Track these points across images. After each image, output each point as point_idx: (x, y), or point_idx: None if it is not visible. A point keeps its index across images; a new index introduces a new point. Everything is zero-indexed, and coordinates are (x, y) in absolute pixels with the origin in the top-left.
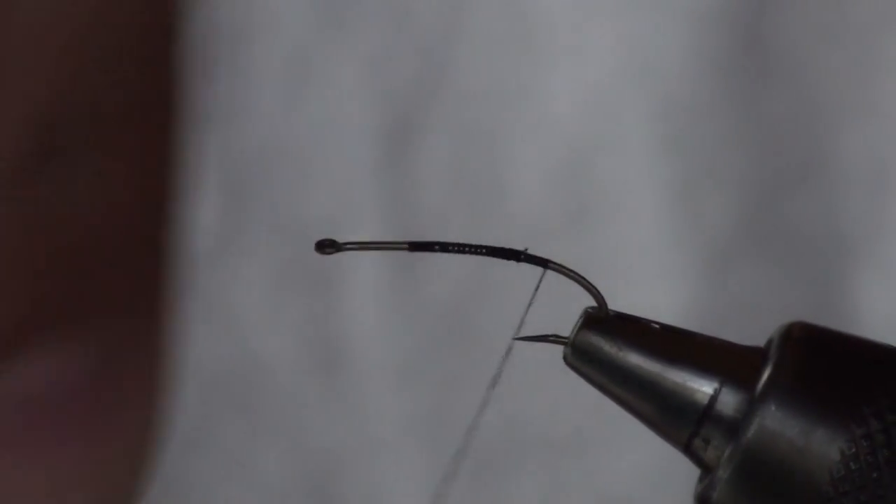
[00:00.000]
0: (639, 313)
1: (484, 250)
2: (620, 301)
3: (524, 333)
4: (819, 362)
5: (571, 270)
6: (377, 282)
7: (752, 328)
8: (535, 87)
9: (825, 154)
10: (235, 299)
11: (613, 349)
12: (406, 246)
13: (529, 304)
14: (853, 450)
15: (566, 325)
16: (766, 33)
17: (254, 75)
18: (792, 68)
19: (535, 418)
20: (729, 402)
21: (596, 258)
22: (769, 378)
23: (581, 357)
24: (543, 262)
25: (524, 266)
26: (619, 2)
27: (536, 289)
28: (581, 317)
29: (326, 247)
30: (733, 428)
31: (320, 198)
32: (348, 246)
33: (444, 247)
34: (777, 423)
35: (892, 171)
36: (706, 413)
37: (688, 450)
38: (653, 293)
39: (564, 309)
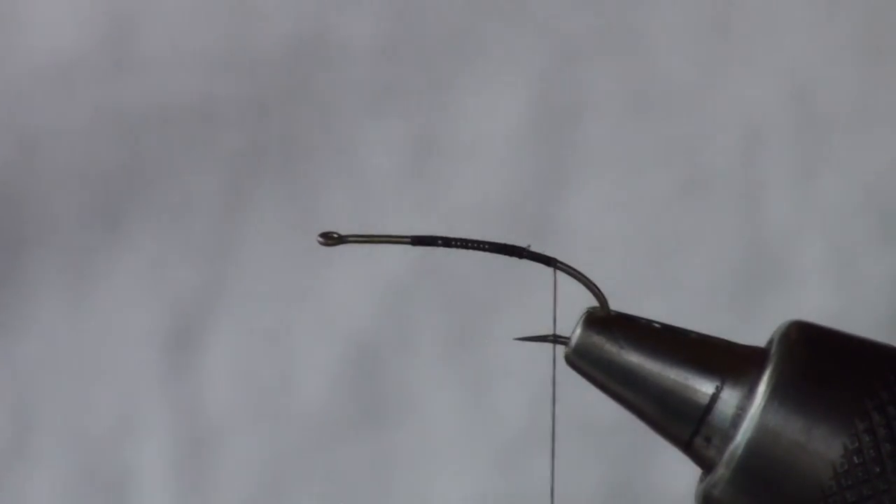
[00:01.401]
0: None
1: (487, 246)
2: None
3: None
4: (819, 359)
5: (575, 269)
6: (166, 490)
7: None
8: (320, 286)
9: None
10: None
11: (615, 349)
12: (409, 240)
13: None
14: (856, 444)
15: (567, 325)
16: (558, 217)
17: (32, 284)
18: (589, 248)
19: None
20: (730, 400)
21: (390, 458)
22: (770, 376)
23: (582, 356)
24: (547, 260)
25: None
26: (403, 199)
27: (555, 290)
28: (582, 316)
29: (330, 238)
30: (735, 426)
31: (108, 406)
32: (351, 238)
33: (447, 242)
34: (779, 420)
35: None
36: (707, 412)
37: (689, 449)
38: (449, 487)
39: (564, 309)
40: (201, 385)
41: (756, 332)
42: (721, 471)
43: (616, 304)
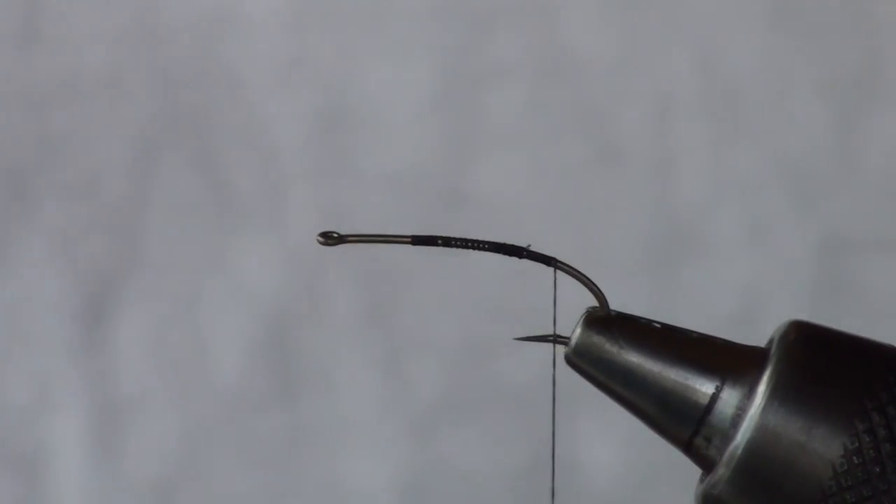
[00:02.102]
0: None
1: (487, 246)
2: None
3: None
4: (819, 359)
5: (575, 269)
6: (80, 463)
7: (464, 491)
8: (229, 255)
9: (546, 305)
10: None
11: (615, 348)
12: (409, 239)
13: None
14: (856, 444)
15: (566, 325)
16: (469, 187)
17: None
18: (502, 218)
19: None
20: (730, 400)
21: (304, 430)
22: (770, 375)
23: (582, 356)
24: (547, 260)
25: None
26: (311, 170)
27: (555, 290)
28: (582, 316)
29: (330, 238)
30: (735, 426)
31: (17, 381)
32: (351, 238)
33: (447, 241)
34: (779, 420)
35: None
36: (707, 412)
37: (689, 449)
38: (364, 463)
39: (563, 308)
40: (115, 357)
41: (671, 302)
42: (721, 471)
43: (531, 275)
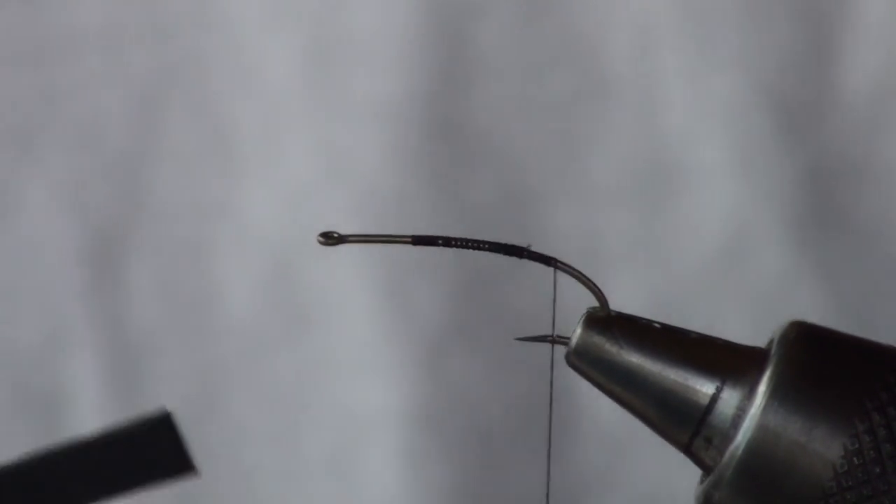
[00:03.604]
0: None
1: (487, 246)
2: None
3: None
4: (819, 360)
5: (575, 269)
6: (97, 403)
7: (471, 417)
8: (234, 198)
9: (534, 234)
10: None
11: (615, 349)
12: (409, 239)
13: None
14: (856, 445)
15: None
16: (460, 117)
17: None
18: (494, 149)
19: None
20: (730, 401)
21: (314, 362)
22: (770, 376)
23: (582, 357)
24: (547, 260)
25: None
26: (309, 109)
27: (555, 290)
28: (583, 317)
29: (330, 238)
30: (735, 427)
31: (30, 324)
32: (351, 238)
33: (448, 241)
34: (779, 420)
35: (602, 245)
36: (707, 412)
37: (688, 450)
38: (372, 390)
39: (563, 308)
40: (127, 299)
41: (659, 235)
42: (721, 471)
43: (522, 207)
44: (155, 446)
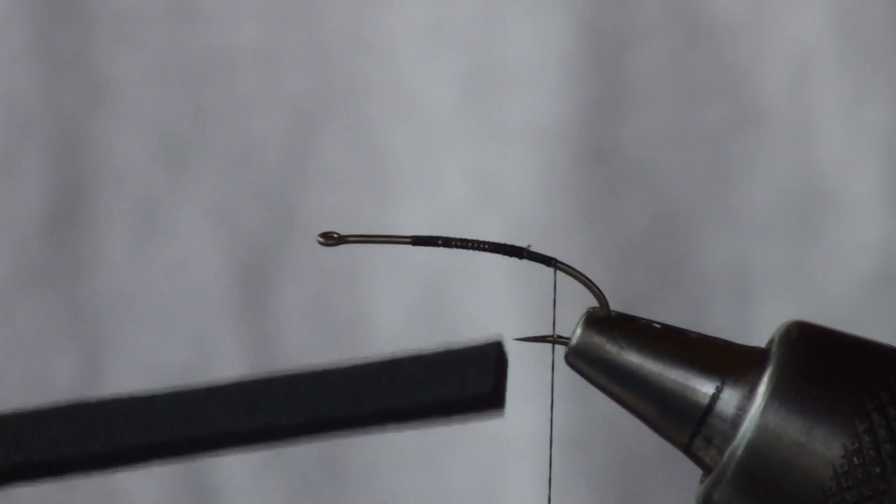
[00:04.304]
0: None
1: (486, 246)
2: None
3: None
4: (820, 360)
5: (575, 269)
6: None
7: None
8: (386, 222)
9: (685, 261)
10: None
11: (615, 349)
12: (409, 240)
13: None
14: (856, 445)
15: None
16: (613, 145)
17: (100, 227)
18: (647, 177)
19: None
20: (730, 401)
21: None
22: (770, 376)
23: (582, 357)
24: (548, 260)
25: None
26: (462, 133)
27: (555, 290)
28: (583, 316)
29: (330, 238)
30: (735, 427)
31: (179, 344)
32: (351, 238)
33: (447, 242)
34: (779, 420)
35: (754, 273)
36: (707, 412)
37: (688, 450)
38: (520, 418)
39: (563, 308)
40: (276, 321)
41: (811, 264)
42: (721, 472)
43: (674, 235)
44: (476, 373)
